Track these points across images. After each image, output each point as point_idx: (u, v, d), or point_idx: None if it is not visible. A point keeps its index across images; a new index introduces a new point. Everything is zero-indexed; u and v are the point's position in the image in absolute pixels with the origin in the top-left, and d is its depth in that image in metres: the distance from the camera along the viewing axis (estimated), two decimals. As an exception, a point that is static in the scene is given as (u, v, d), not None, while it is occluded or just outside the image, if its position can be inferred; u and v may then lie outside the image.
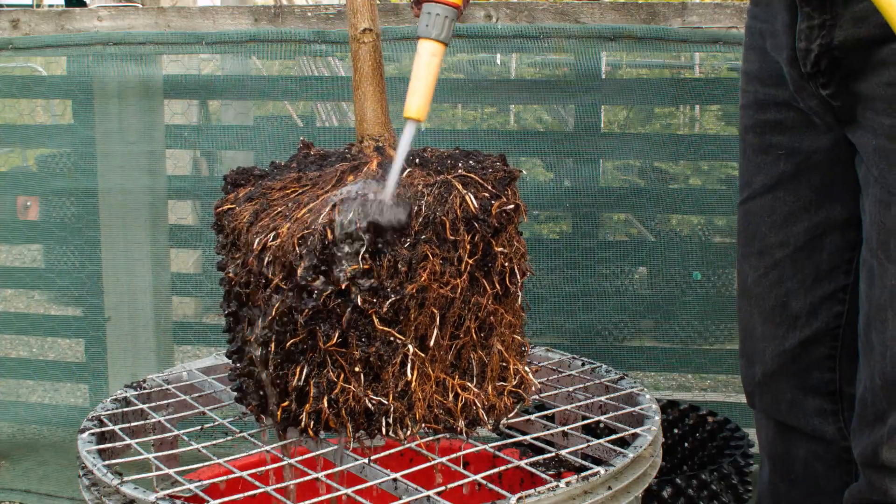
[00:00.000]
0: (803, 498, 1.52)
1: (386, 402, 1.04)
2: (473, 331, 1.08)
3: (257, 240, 1.08)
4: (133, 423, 1.23)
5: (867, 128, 1.23)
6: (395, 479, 0.98)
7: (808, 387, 1.46)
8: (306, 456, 1.07)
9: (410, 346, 1.03)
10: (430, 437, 1.07)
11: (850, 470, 1.46)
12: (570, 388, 1.30)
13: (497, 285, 1.10)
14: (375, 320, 1.02)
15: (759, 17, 1.40)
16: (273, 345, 1.07)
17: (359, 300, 1.01)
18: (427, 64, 1.10)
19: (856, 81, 1.24)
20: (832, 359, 1.45)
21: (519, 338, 1.20)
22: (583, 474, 0.98)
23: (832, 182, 1.38)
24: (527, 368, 1.21)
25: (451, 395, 1.08)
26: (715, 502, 1.82)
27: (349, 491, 0.94)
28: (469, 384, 1.09)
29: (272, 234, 1.07)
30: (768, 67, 1.39)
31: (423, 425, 1.06)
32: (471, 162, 1.16)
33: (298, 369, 1.06)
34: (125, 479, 0.99)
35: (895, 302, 1.22)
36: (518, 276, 1.14)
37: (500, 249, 1.09)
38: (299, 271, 1.03)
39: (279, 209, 1.11)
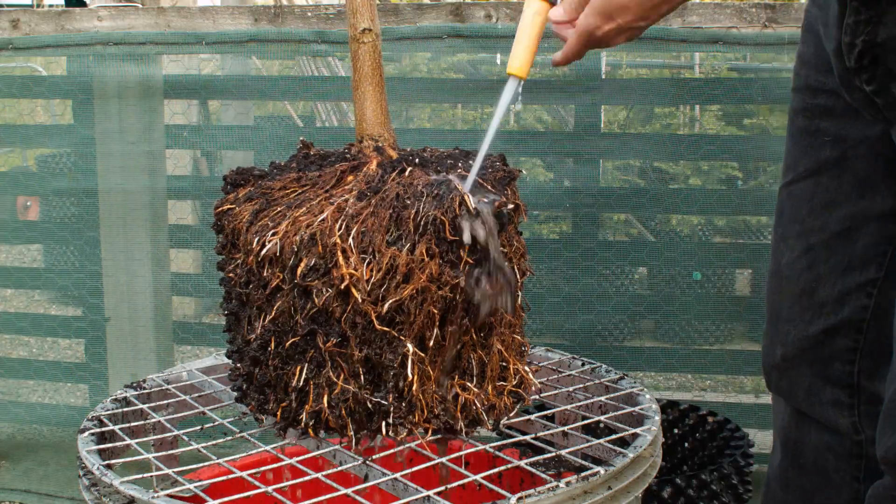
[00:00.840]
0: (812, 486, 1.52)
1: (386, 403, 1.04)
2: (473, 331, 1.08)
3: (257, 239, 1.08)
4: (133, 423, 1.23)
5: None
6: (395, 479, 0.98)
7: (826, 376, 1.46)
8: (306, 456, 1.07)
9: (410, 346, 1.03)
10: (431, 438, 1.07)
11: (860, 465, 1.45)
12: (570, 388, 1.30)
13: None
14: (375, 321, 1.02)
15: (816, 3, 1.38)
16: (273, 345, 1.08)
17: (359, 300, 1.01)
18: (531, 22, 1.13)
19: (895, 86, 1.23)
20: (854, 351, 1.44)
21: (519, 338, 1.20)
22: (583, 474, 0.98)
23: (875, 173, 1.37)
24: (527, 368, 1.21)
25: (450, 395, 1.08)
26: (715, 502, 1.82)
27: (349, 491, 0.94)
28: (469, 384, 1.09)
29: (272, 234, 1.07)
30: (822, 54, 1.38)
31: (424, 425, 1.06)
32: (471, 162, 1.16)
33: (298, 369, 1.06)
34: (125, 479, 0.99)
35: None
36: (518, 276, 1.14)
37: (501, 249, 1.09)
38: (299, 271, 1.03)
39: (279, 209, 1.11)
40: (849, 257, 1.41)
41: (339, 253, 1.02)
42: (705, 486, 1.82)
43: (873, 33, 1.20)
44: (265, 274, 1.07)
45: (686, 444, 2.19)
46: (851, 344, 1.43)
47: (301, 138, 1.31)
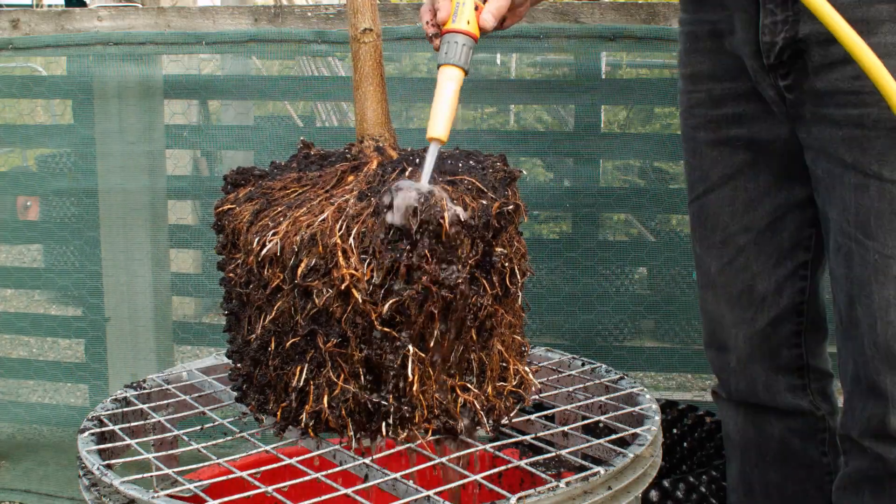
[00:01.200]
0: (781, 478, 1.57)
1: (386, 403, 1.03)
2: (473, 331, 1.08)
3: (257, 239, 1.08)
4: (133, 423, 1.23)
5: (828, 122, 1.30)
6: (395, 479, 0.98)
7: (779, 366, 1.53)
8: (306, 456, 1.07)
9: (411, 347, 1.03)
10: (431, 438, 1.07)
11: (824, 439, 1.54)
12: (570, 388, 1.30)
13: (497, 286, 1.10)
14: (375, 321, 1.02)
15: (705, 21, 1.46)
16: (273, 345, 1.07)
17: (359, 301, 1.01)
18: (448, 89, 1.16)
19: (815, 78, 1.30)
20: (798, 335, 1.53)
21: (519, 338, 1.19)
22: (583, 474, 0.98)
23: (791, 165, 1.43)
24: (527, 368, 1.21)
25: (451, 396, 1.08)
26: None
27: (349, 491, 0.94)
28: (469, 385, 1.09)
29: (272, 234, 1.07)
30: (723, 64, 1.44)
31: (424, 426, 1.06)
32: (471, 162, 1.16)
33: (298, 370, 1.05)
34: (125, 479, 0.99)
35: (878, 276, 1.27)
36: (518, 277, 1.13)
37: (501, 250, 1.09)
38: (299, 271, 1.03)
39: (279, 209, 1.11)
40: (779, 248, 1.48)
41: (340, 253, 1.02)
42: (694, 490, 1.82)
43: (793, 30, 1.29)
44: (265, 274, 1.07)
45: (685, 444, 2.19)
46: (795, 328, 1.52)
47: (301, 138, 1.31)
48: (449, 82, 1.17)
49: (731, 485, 1.65)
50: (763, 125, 1.44)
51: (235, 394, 1.19)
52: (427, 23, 1.22)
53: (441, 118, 1.15)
